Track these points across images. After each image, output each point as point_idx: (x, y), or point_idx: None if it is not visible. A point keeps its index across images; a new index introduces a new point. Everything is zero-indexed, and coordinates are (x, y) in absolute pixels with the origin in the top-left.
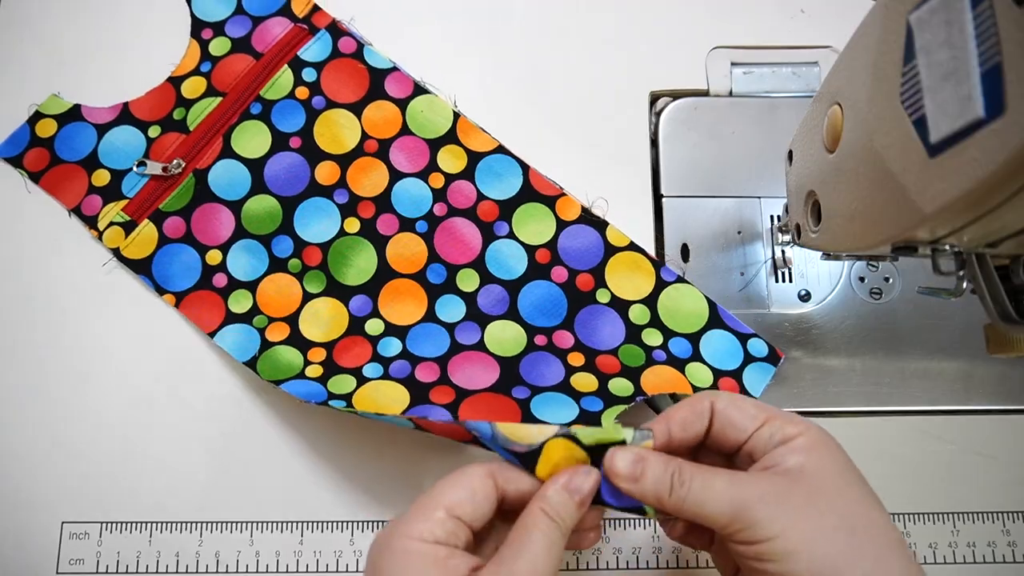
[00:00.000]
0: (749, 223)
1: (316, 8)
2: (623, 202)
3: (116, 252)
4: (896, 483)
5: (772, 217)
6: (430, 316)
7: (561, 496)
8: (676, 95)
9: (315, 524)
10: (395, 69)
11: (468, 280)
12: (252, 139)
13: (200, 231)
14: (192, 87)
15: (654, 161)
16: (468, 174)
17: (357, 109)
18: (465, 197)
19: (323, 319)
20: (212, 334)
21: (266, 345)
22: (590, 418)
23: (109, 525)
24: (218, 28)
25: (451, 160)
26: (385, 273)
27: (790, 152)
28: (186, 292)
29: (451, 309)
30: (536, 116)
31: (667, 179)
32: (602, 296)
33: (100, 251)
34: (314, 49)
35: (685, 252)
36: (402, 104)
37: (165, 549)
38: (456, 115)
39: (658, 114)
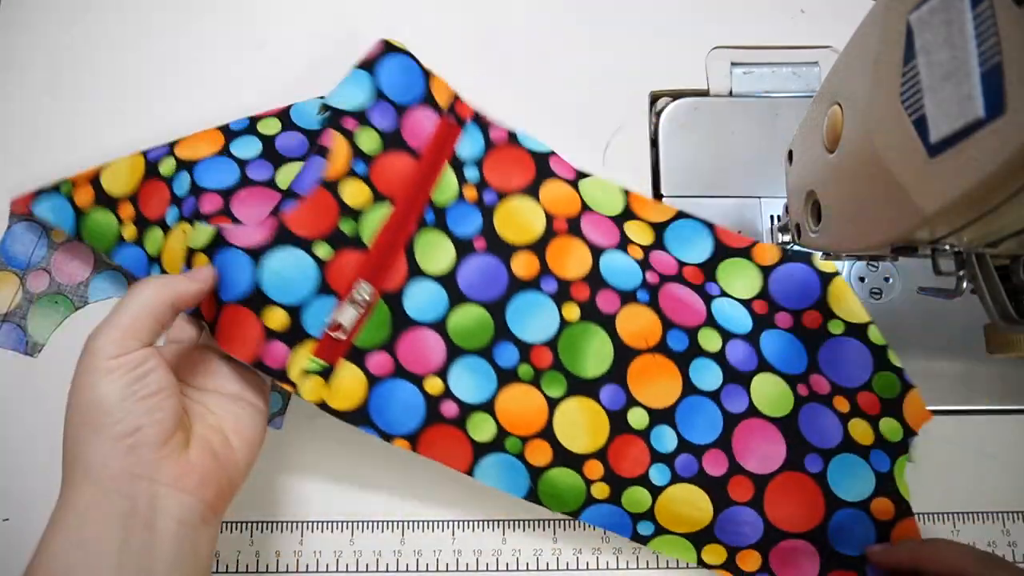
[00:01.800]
0: (749, 223)
1: (457, 98)
2: None
3: (323, 406)
4: None
5: (772, 217)
6: (689, 388)
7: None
8: (676, 95)
9: (315, 524)
10: (553, 153)
11: (711, 339)
12: (435, 252)
13: (410, 361)
14: (353, 193)
15: (654, 161)
16: (659, 245)
17: (533, 192)
18: (667, 265)
19: (580, 425)
20: (470, 472)
21: (535, 472)
22: (885, 482)
23: None
24: (362, 118)
25: (639, 233)
26: (625, 354)
27: (790, 152)
28: (418, 432)
29: (707, 374)
30: (536, 116)
31: (667, 179)
32: (835, 327)
33: None
34: (467, 144)
35: None
36: (572, 185)
37: None
38: (625, 192)
39: (658, 114)
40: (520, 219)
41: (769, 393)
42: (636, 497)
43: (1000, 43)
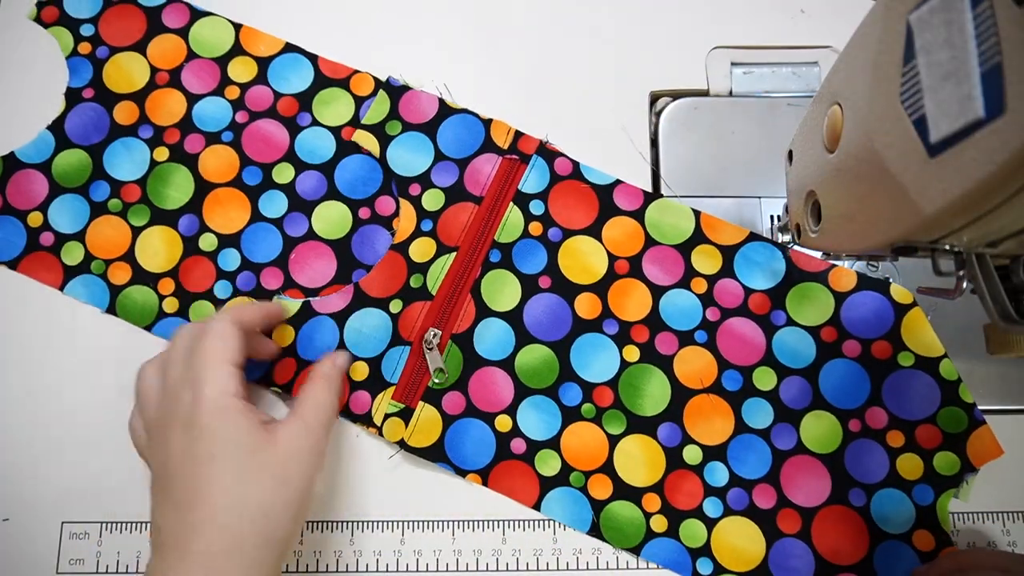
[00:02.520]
0: (749, 223)
1: (519, 135)
2: None
3: (402, 443)
4: None
5: (772, 217)
6: (741, 427)
7: (328, 364)
8: (676, 95)
9: (315, 524)
10: (619, 182)
11: (765, 379)
12: (502, 290)
13: (481, 400)
14: (421, 250)
15: (654, 161)
16: (727, 271)
17: (596, 232)
18: (732, 296)
19: (639, 460)
20: (536, 506)
21: (597, 505)
22: (926, 515)
23: (109, 525)
24: (425, 181)
25: (706, 260)
26: (681, 394)
27: (790, 152)
28: (490, 467)
29: (759, 413)
30: (536, 116)
31: (667, 179)
32: (905, 359)
33: None
34: (533, 179)
35: None
36: (638, 215)
37: None
38: (696, 213)
39: (658, 114)
40: (583, 260)
41: (818, 431)
42: (693, 530)
43: (1000, 43)
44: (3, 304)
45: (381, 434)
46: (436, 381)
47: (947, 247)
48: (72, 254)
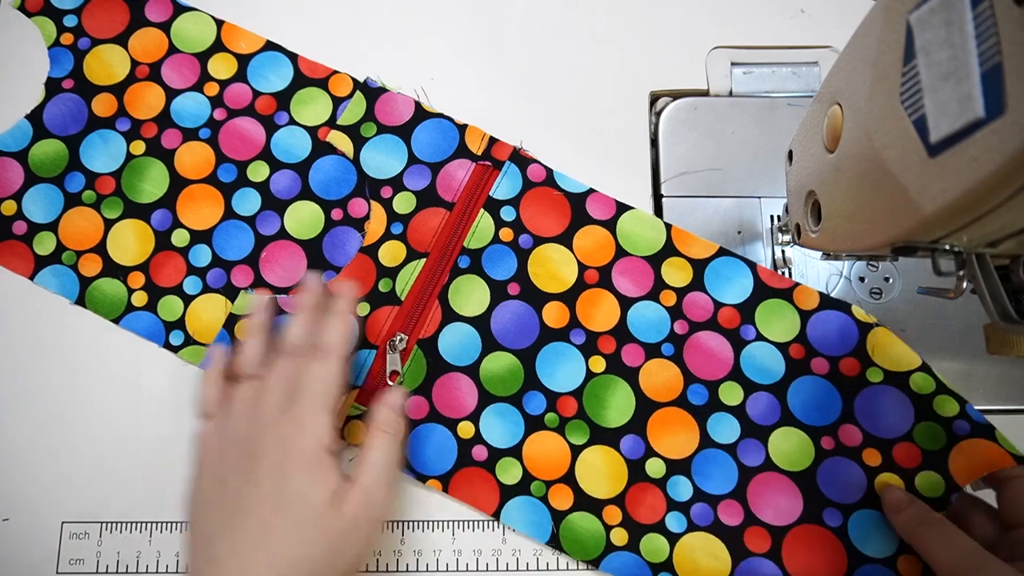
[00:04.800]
0: (749, 223)
1: (493, 141)
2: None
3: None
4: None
5: (772, 217)
6: (706, 441)
7: (388, 413)
8: (676, 95)
9: None
10: (592, 191)
11: (732, 393)
12: (471, 296)
13: (444, 405)
14: (390, 253)
15: (654, 161)
16: (698, 284)
17: (567, 240)
18: (702, 309)
19: (600, 471)
20: (496, 514)
21: (558, 516)
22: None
23: (109, 525)
24: (397, 183)
25: (676, 273)
26: (646, 407)
27: (790, 152)
28: (450, 474)
29: (725, 428)
30: (536, 116)
31: (667, 179)
32: (873, 375)
33: None
34: (505, 185)
35: None
36: (609, 225)
37: (165, 549)
38: (668, 226)
39: (658, 114)
40: (552, 268)
41: (787, 447)
42: (654, 545)
43: (1000, 43)
44: (3, 304)
45: (343, 436)
46: (390, 383)
47: (947, 247)
48: (44, 244)
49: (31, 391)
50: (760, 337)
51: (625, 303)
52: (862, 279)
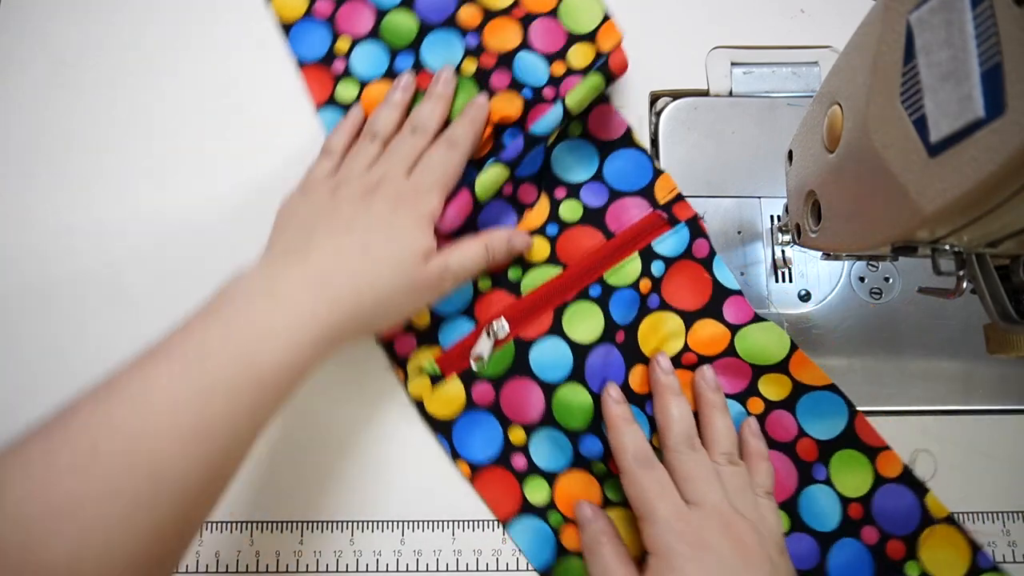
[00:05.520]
0: (749, 223)
1: (680, 197)
2: None
3: (419, 404)
4: None
5: (772, 217)
6: None
7: (499, 236)
8: (676, 95)
9: (315, 524)
10: (739, 293)
11: (781, 520)
12: (584, 322)
13: (509, 405)
14: (534, 248)
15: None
16: (789, 405)
17: (689, 319)
18: (784, 430)
19: (620, 531)
20: (506, 523)
21: (563, 552)
22: None
23: None
24: (573, 190)
25: (774, 387)
26: None
27: (790, 152)
28: (483, 466)
29: None
30: None
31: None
32: (911, 570)
33: (104, 252)
34: (668, 243)
35: None
36: (734, 328)
37: None
38: (794, 346)
39: (658, 114)
40: (662, 335)
41: None
42: None
43: (1000, 43)
44: (3, 304)
45: (406, 384)
46: (473, 367)
47: (947, 247)
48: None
49: (32, 391)
50: (828, 481)
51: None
52: (862, 279)
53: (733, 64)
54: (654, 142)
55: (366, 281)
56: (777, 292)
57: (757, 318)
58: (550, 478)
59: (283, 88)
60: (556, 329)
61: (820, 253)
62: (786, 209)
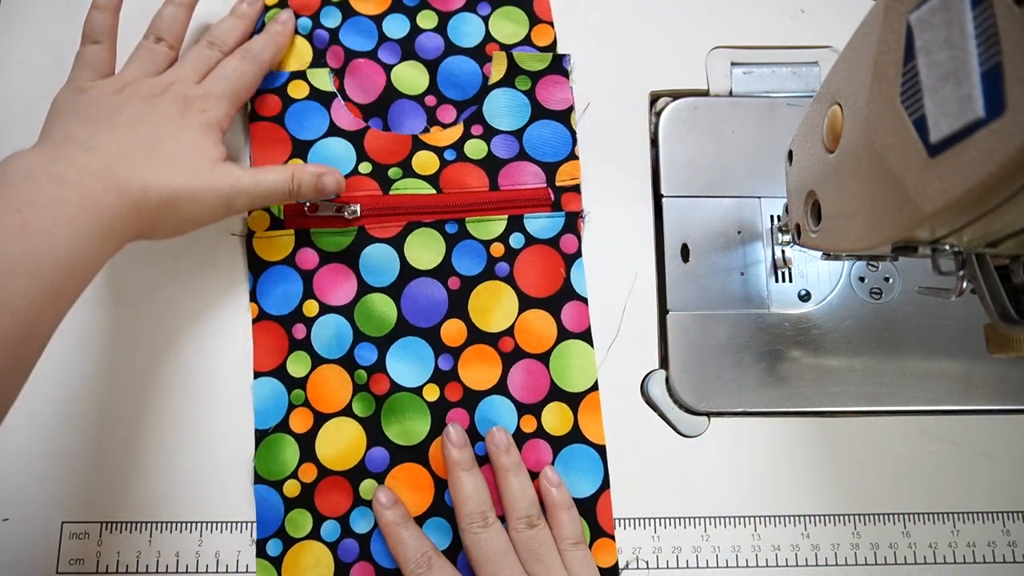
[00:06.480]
0: (749, 223)
1: (577, 188)
2: (623, 202)
3: (249, 235)
4: (896, 483)
5: (772, 217)
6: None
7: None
8: (676, 95)
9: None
10: (585, 301)
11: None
12: (426, 250)
13: (321, 281)
14: (423, 161)
15: (654, 161)
16: (557, 445)
17: (526, 305)
18: (536, 464)
19: (342, 441)
20: (256, 375)
21: (283, 427)
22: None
23: (109, 525)
24: (489, 133)
25: (556, 421)
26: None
27: (790, 152)
28: (268, 316)
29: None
30: None
31: (667, 179)
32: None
33: None
34: (540, 224)
35: (685, 252)
36: (562, 335)
37: (165, 549)
38: (595, 386)
39: (658, 114)
40: (489, 305)
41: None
42: (298, 522)
43: (1000, 43)
44: None
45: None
46: (307, 212)
47: (947, 247)
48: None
49: (31, 391)
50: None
51: (485, 392)
52: (862, 279)
53: (733, 64)
54: (654, 142)
55: (151, 175)
56: (777, 292)
57: (588, 333)
58: (316, 362)
59: None
60: (398, 242)
61: (820, 253)
62: (786, 209)
